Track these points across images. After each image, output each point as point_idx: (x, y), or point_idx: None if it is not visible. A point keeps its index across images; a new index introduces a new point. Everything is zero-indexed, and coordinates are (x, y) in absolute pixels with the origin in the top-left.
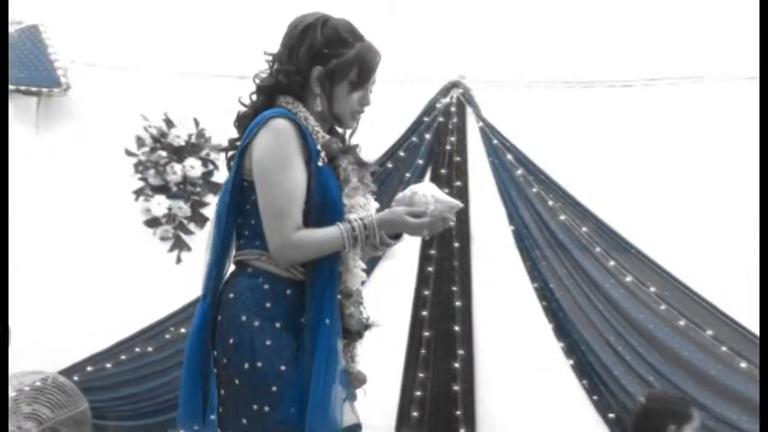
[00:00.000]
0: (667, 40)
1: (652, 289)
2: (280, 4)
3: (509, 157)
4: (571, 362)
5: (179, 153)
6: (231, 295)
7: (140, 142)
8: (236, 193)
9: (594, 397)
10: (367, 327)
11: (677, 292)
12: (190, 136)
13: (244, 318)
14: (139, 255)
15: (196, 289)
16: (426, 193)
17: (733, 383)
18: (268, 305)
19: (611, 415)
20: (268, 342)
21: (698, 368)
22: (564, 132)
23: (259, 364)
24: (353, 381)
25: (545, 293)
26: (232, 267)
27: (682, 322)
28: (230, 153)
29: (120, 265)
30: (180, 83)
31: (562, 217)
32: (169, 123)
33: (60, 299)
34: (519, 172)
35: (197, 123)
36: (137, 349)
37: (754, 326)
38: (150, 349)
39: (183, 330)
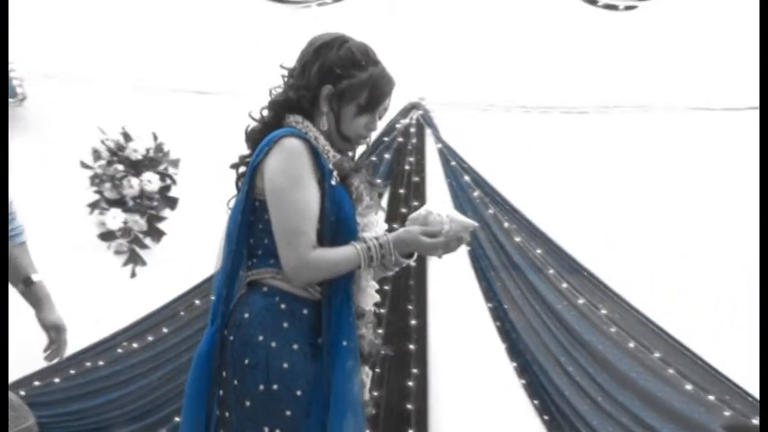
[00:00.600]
0: (621, 70)
1: (603, 311)
2: (239, 19)
3: (466, 178)
4: (523, 381)
5: (136, 167)
6: (246, 315)
7: (97, 155)
8: (247, 212)
9: (545, 417)
10: (379, 350)
11: (627, 314)
12: (147, 150)
13: (261, 338)
14: (93, 268)
15: (150, 303)
16: (441, 212)
17: (678, 405)
18: (285, 325)
19: None
20: (285, 365)
21: (645, 389)
22: (520, 155)
23: (275, 387)
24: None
25: (499, 314)
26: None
27: (631, 344)
28: (241, 170)
29: (72, 278)
30: (138, 97)
31: (517, 239)
32: (127, 137)
33: (9, 311)
34: (476, 193)
35: (155, 137)
36: (87, 364)
37: (699, 349)
38: (101, 363)
39: (135, 345)
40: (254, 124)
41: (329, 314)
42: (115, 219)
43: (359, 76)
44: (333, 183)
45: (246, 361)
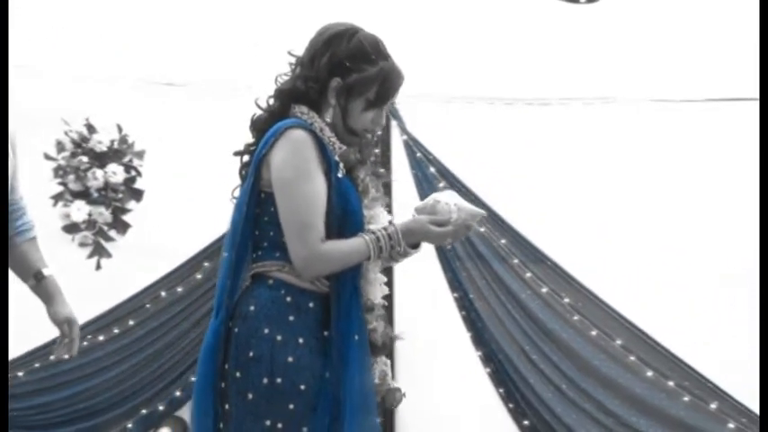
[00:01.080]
0: (582, 63)
1: (566, 300)
2: (209, 10)
3: (432, 170)
4: (488, 370)
5: (101, 159)
6: (252, 308)
7: (60, 147)
8: (252, 204)
9: (510, 405)
10: (393, 339)
11: (590, 303)
12: (112, 142)
13: (266, 331)
14: (57, 261)
15: (116, 296)
16: (449, 201)
17: (640, 391)
18: (291, 318)
19: (525, 422)
20: (290, 359)
21: (608, 376)
22: (485, 147)
23: (279, 381)
24: (389, 398)
25: (464, 303)
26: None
27: (594, 332)
28: (245, 158)
29: None
30: (102, 88)
31: (482, 229)
32: (91, 128)
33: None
34: (441, 185)
35: (120, 129)
36: (51, 357)
37: (660, 335)
38: (66, 357)
39: (101, 338)
40: (259, 112)
41: (338, 309)
42: (80, 211)
43: (369, 70)
44: (339, 175)
45: (251, 354)
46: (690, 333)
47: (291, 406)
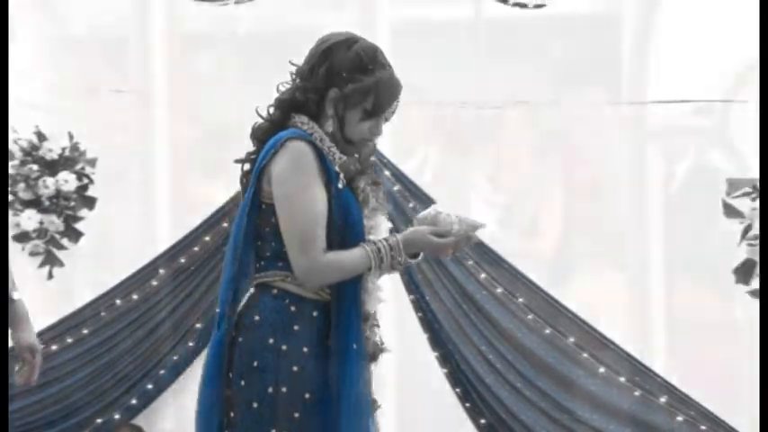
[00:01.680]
0: (532, 66)
1: (520, 300)
2: (163, 16)
3: (387, 173)
4: (445, 371)
5: (52, 167)
6: (256, 318)
7: (9, 155)
8: (253, 215)
9: (467, 404)
10: (381, 350)
11: (543, 302)
12: (63, 149)
13: (271, 341)
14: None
15: (69, 305)
16: (450, 212)
17: (593, 388)
18: (296, 327)
19: (482, 421)
20: (295, 368)
21: (562, 374)
22: (438, 149)
23: (284, 390)
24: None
25: (421, 305)
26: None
27: (547, 331)
28: (246, 167)
29: None
30: (53, 95)
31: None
32: (41, 136)
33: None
34: (396, 188)
35: (71, 137)
36: None
37: (611, 333)
38: (18, 367)
39: (54, 348)
40: (260, 121)
41: (338, 319)
42: (30, 219)
43: (365, 80)
44: (339, 186)
45: (255, 363)
46: (639, 329)
47: (297, 414)
